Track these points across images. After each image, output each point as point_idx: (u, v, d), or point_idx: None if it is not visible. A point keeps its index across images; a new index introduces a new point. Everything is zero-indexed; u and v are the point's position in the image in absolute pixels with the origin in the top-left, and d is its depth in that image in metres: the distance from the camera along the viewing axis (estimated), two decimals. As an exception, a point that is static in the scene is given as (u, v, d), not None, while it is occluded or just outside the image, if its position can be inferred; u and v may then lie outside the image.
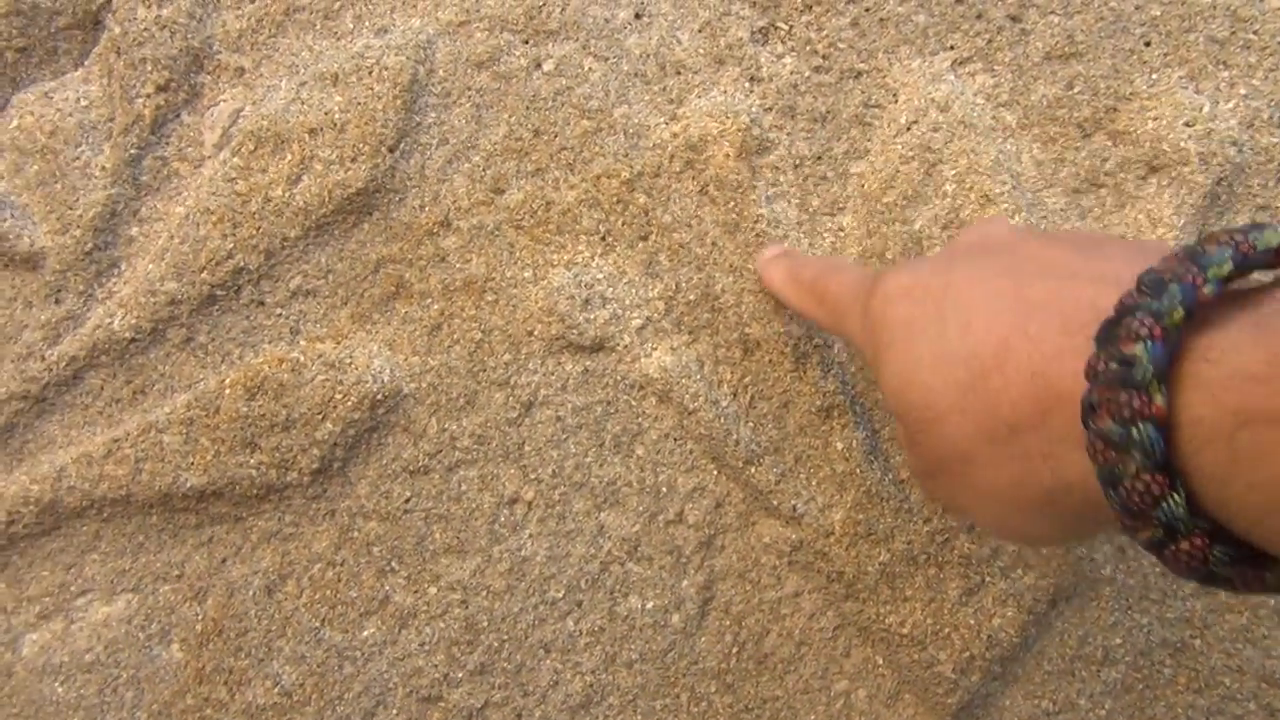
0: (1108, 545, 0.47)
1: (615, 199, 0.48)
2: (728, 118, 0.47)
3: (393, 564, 0.48)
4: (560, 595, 0.49)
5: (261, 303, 0.49)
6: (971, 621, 0.46)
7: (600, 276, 0.48)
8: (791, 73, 0.48)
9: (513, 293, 0.48)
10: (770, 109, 0.48)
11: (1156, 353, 0.22)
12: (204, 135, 0.51)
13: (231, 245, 0.48)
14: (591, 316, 0.48)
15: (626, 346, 0.48)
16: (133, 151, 0.50)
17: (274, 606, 0.49)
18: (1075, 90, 0.47)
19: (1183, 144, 0.45)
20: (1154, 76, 0.47)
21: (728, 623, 0.49)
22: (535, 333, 0.48)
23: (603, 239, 0.48)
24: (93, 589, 0.49)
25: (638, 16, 0.49)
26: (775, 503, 0.47)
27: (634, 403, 0.48)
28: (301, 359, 0.47)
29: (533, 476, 0.48)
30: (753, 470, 0.47)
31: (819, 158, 0.48)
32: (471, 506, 0.48)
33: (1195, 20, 0.47)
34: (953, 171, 0.46)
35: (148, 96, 0.50)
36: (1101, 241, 0.29)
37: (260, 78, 0.51)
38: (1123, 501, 0.22)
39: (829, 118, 0.48)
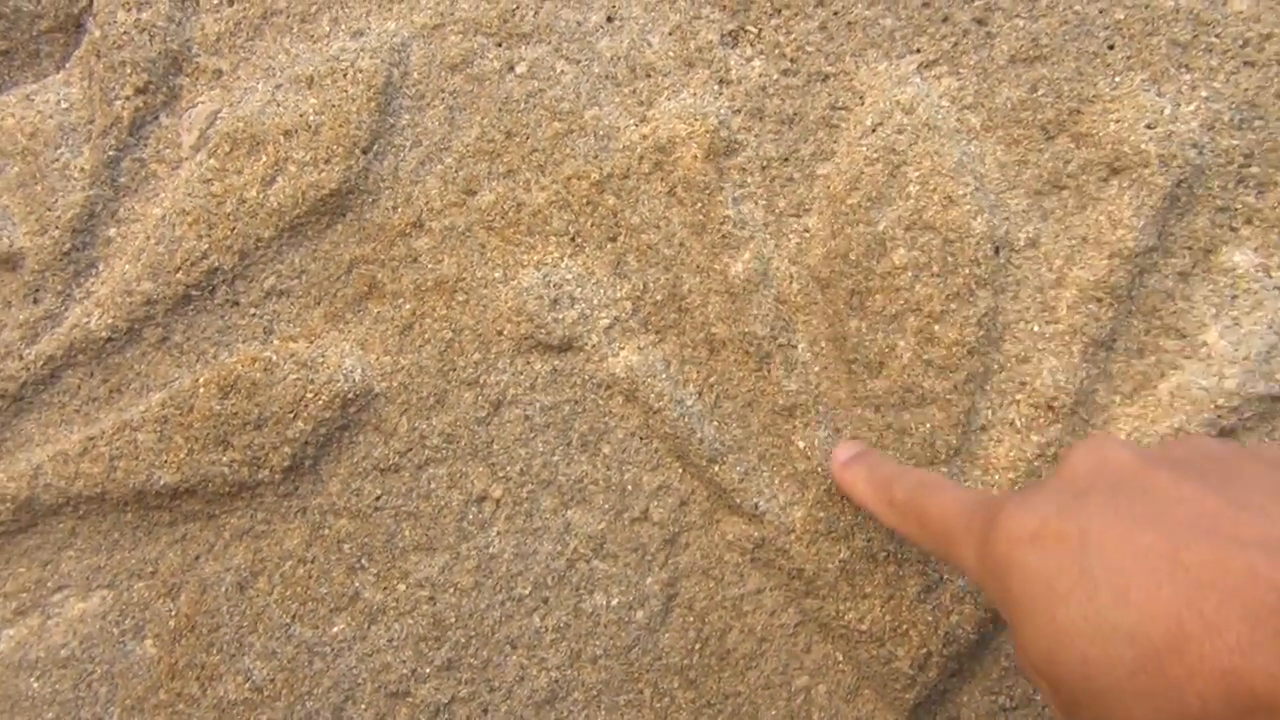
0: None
1: (585, 200, 0.50)
2: (696, 120, 0.48)
3: (363, 561, 0.50)
4: (527, 592, 0.50)
5: (236, 303, 0.50)
6: (929, 618, 0.48)
7: (569, 277, 0.49)
8: (760, 75, 0.50)
9: (483, 293, 0.50)
10: (739, 111, 0.50)
11: None
12: (182, 137, 0.53)
13: (206, 246, 0.50)
14: (560, 316, 0.49)
15: (594, 346, 0.50)
16: (111, 153, 0.52)
17: (246, 603, 0.50)
18: (1039, 93, 0.48)
19: (1143, 146, 0.47)
20: (1117, 79, 0.48)
21: (691, 619, 0.50)
22: (505, 332, 0.50)
23: (572, 240, 0.50)
24: (69, 585, 0.50)
25: (609, 20, 0.51)
26: (738, 500, 0.49)
27: (601, 402, 0.50)
28: (274, 358, 0.49)
29: (501, 474, 0.50)
30: (717, 468, 0.49)
31: (786, 159, 0.49)
32: (440, 504, 0.50)
33: (1158, 24, 0.48)
34: (916, 173, 0.47)
35: (127, 99, 0.52)
36: (1239, 473, 0.28)
37: (238, 80, 0.52)
38: None
39: (796, 120, 0.49)
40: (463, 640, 0.51)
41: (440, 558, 0.51)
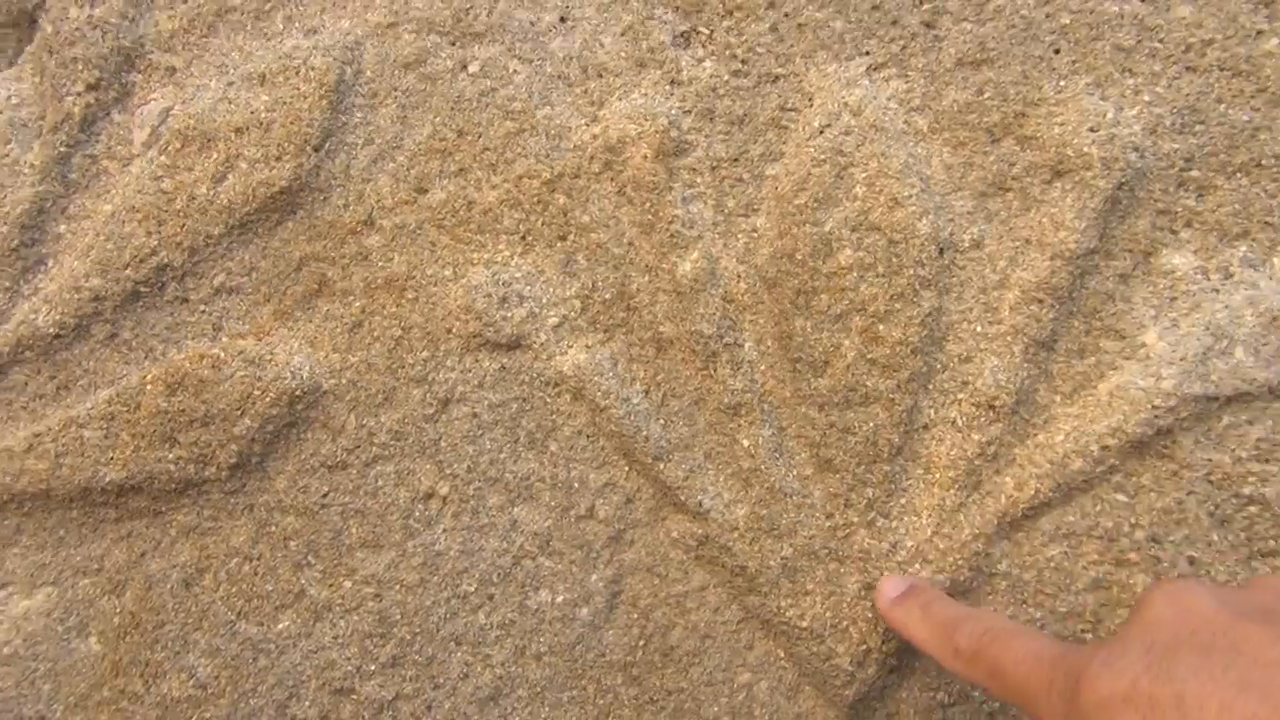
0: (1005, 541, 0.50)
1: (535, 199, 0.51)
2: (646, 120, 0.50)
3: (309, 558, 0.51)
4: (472, 589, 0.51)
5: (185, 299, 0.51)
6: (869, 615, 0.49)
7: (518, 275, 0.51)
8: (711, 76, 0.51)
9: (433, 291, 0.51)
10: (689, 112, 0.51)
11: None
12: (134, 134, 0.54)
13: (156, 242, 0.50)
14: (508, 314, 0.50)
15: (543, 344, 0.51)
16: (62, 149, 0.52)
17: (191, 600, 0.51)
18: (985, 96, 0.50)
19: (1086, 149, 0.48)
20: (1062, 83, 0.49)
21: (635, 616, 0.51)
22: (454, 330, 0.51)
23: (522, 238, 0.51)
24: (13, 582, 0.51)
25: (563, 20, 0.52)
26: (683, 498, 0.50)
27: (549, 400, 0.51)
28: (222, 355, 0.50)
29: (448, 472, 0.51)
30: (662, 466, 0.50)
31: (735, 160, 0.51)
32: (387, 501, 0.51)
33: (1103, 29, 0.49)
34: (863, 174, 0.48)
35: (78, 95, 0.53)
36: None
37: (191, 77, 0.53)
38: None
39: (746, 121, 0.51)
40: (408, 637, 0.52)
41: (386, 555, 0.52)
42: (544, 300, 0.52)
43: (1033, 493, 0.49)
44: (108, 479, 0.50)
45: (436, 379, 0.52)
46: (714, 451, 0.52)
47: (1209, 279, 0.49)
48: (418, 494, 0.52)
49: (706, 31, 0.52)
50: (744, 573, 0.51)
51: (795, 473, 0.51)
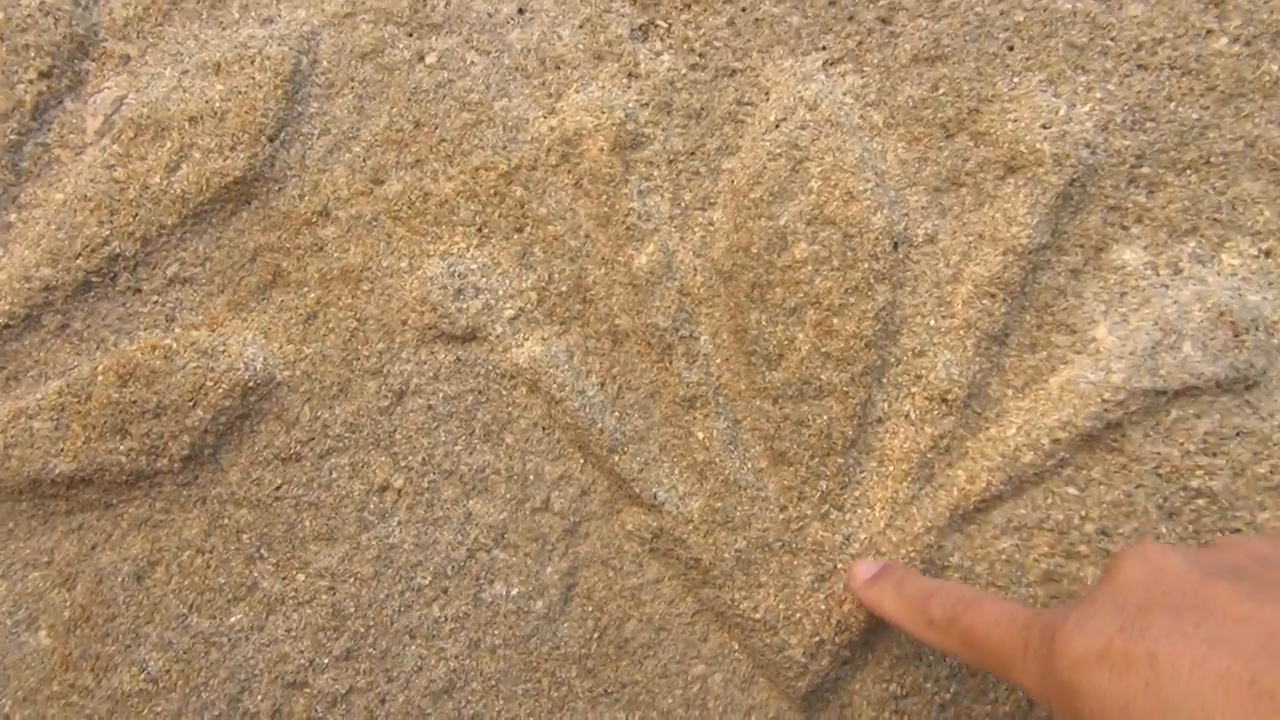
0: (957, 534, 0.51)
1: (492, 191, 0.51)
2: (603, 113, 0.50)
3: (262, 551, 0.51)
4: (426, 582, 0.51)
5: (138, 290, 0.51)
6: (822, 607, 0.50)
7: (474, 267, 0.51)
8: (669, 69, 0.51)
9: (388, 282, 0.51)
10: (647, 105, 0.51)
11: None
12: (87, 122, 0.54)
13: (108, 232, 0.50)
14: (464, 306, 0.51)
15: (498, 336, 0.51)
16: (13, 137, 0.52)
17: (143, 593, 0.51)
18: (940, 92, 0.51)
19: (1038, 145, 0.49)
20: (1015, 80, 0.50)
21: (590, 609, 0.52)
22: (409, 322, 0.51)
23: (479, 230, 0.51)
24: (-40, 575, 0.51)
25: (521, 12, 0.52)
26: (638, 491, 0.51)
27: (504, 392, 0.51)
28: (174, 346, 0.50)
29: (403, 464, 0.51)
30: (617, 459, 0.51)
31: (692, 153, 0.51)
32: (342, 494, 0.51)
33: (1056, 26, 0.50)
34: (818, 169, 0.49)
35: (30, 82, 0.53)
36: None
37: (145, 65, 0.53)
38: None
39: (703, 114, 0.51)
40: (361, 630, 0.52)
41: (340, 547, 0.52)
42: (500, 292, 0.52)
43: (984, 485, 0.50)
44: (58, 471, 0.50)
45: (391, 371, 0.52)
46: (669, 444, 0.52)
47: (1159, 274, 0.51)
48: (372, 486, 0.52)
49: (664, 25, 0.53)
50: (698, 565, 0.52)
51: (750, 465, 0.52)
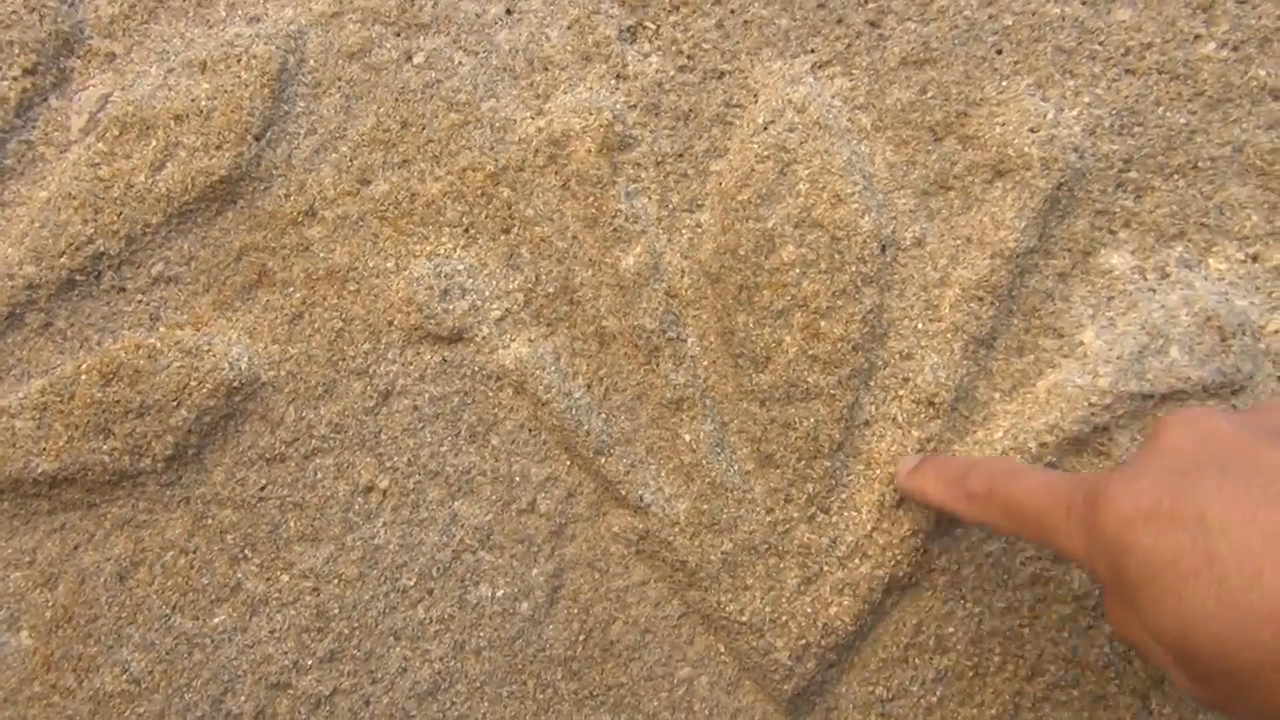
0: (944, 537, 0.51)
1: (479, 192, 0.52)
2: (591, 114, 0.51)
3: (246, 551, 0.51)
4: (411, 583, 0.52)
5: (122, 289, 0.51)
6: (809, 610, 0.50)
7: (461, 268, 0.51)
8: (657, 71, 0.52)
9: (375, 283, 0.52)
10: (635, 106, 0.52)
11: None
12: (71, 120, 0.54)
13: (92, 230, 0.51)
14: (450, 307, 0.51)
15: (485, 337, 0.51)
16: (-3, 134, 0.52)
17: (125, 593, 0.51)
18: (928, 95, 0.51)
19: (1026, 149, 0.50)
20: (1004, 83, 0.51)
21: (575, 611, 0.52)
22: (395, 322, 0.51)
23: (465, 231, 0.52)
24: (-59, 575, 0.51)
25: (509, 12, 0.53)
26: (624, 493, 0.51)
27: (491, 393, 0.52)
28: (158, 345, 0.50)
29: (388, 465, 0.51)
30: (603, 460, 0.51)
31: (680, 155, 0.52)
32: (326, 494, 0.51)
33: (1045, 30, 0.51)
34: (806, 171, 0.50)
35: (14, 79, 0.53)
36: None
37: (131, 63, 0.53)
38: None
39: (691, 116, 0.52)
40: (346, 631, 0.52)
41: (325, 548, 0.52)
42: (487, 293, 0.52)
43: (971, 489, 0.51)
44: (40, 470, 0.51)
45: (377, 371, 0.53)
46: (655, 446, 0.53)
47: (1146, 279, 0.51)
48: (357, 487, 0.53)
49: (653, 26, 0.53)
50: (684, 567, 0.52)
51: (736, 468, 0.52)
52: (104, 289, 0.52)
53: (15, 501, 0.52)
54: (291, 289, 0.53)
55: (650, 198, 0.53)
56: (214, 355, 0.51)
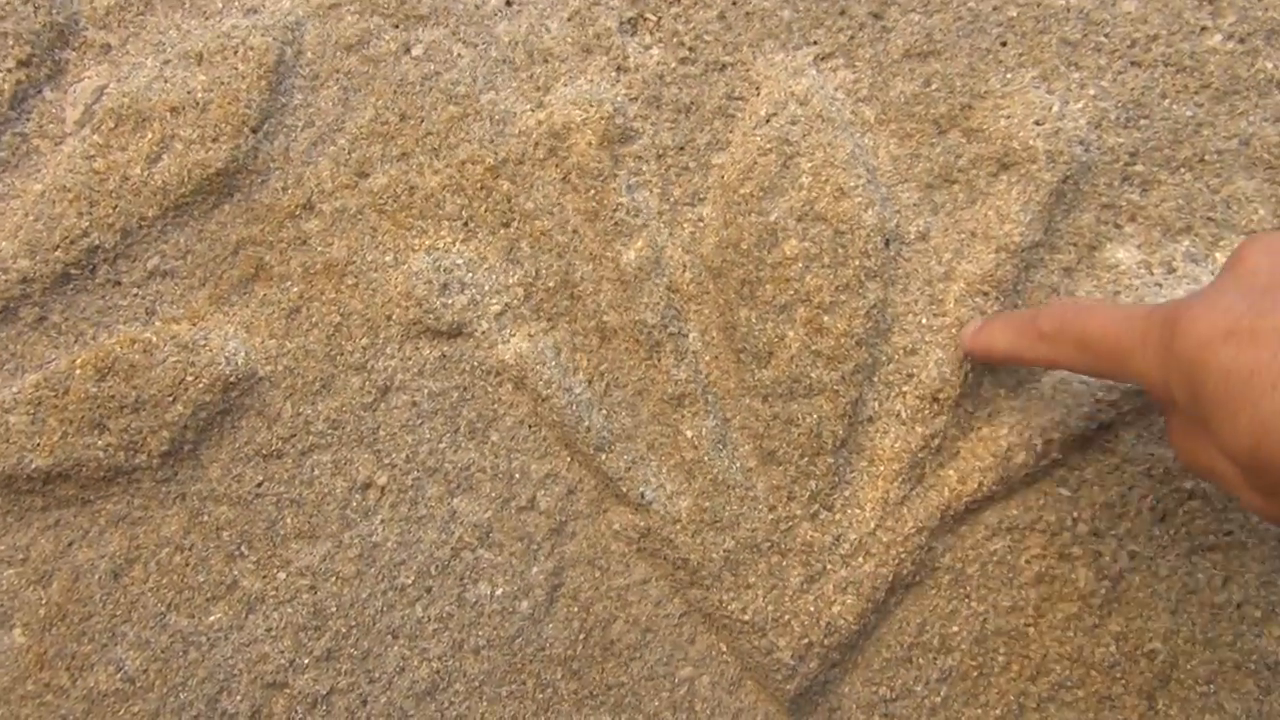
0: (949, 535, 0.51)
1: (479, 185, 0.51)
2: (591, 106, 0.50)
3: (242, 549, 0.51)
4: (410, 581, 0.51)
5: (118, 282, 0.51)
6: (811, 609, 0.50)
7: (460, 262, 0.51)
8: (658, 63, 0.52)
9: (373, 277, 0.51)
10: (636, 99, 0.51)
11: None
12: (66, 112, 0.54)
13: (88, 224, 0.50)
14: (449, 301, 0.51)
15: (484, 332, 0.51)
16: (-9, 127, 0.52)
17: (120, 591, 0.51)
18: (932, 87, 0.51)
19: (1032, 142, 0.49)
20: (1008, 76, 0.51)
21: (575, 609, 0.52)
22: (394, 317, 0.51)
23: (465, 225, 0.51)
24: (-66, 572, 0.51)
25: (508, 4, 0.52)
26: (625, 490, 0.51)
27: (490, 389, 0.51)
28: (154, 340, 0.50)
29: (386, 461, 0.51)
30: (604, 457, 0.51)
31: (682, 148, 0.51)
32: (324, 491, 0.51)
33: (1050, 22, 0.51)
34: (809, 164, 0.49)
35: (8, 71, 0.53)
36: None
37: (126, 55, 0.53)
38: None
39: (693, 109, 0.51)
40: (343, 630, 0.52)
41: (322, 546, 0.52)
42: (486, 288, 0.52)
43: (976, 486, 0.50)
44: (34, 466, 0.50)
45: (375, 367, 0.52)
46: (657, 443, 0.52)
47: (1152, 273, 0.51)
48: (355, 484, 0.52)
49: (654, 18, 0.53)
50: (686, 566, 0.52)
51: (739, 465, 0.52)
52: (99, 283, 0.52)
53: (8, 498, 0.51)
54: (289, 283, 0.52)
55: (651, 191, 0.52)
56: (210, 350, 0.51)
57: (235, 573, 0.52)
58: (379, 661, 0.52)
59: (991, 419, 0.51)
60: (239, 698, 0.51)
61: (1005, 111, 0.51)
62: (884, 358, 0.51)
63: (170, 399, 0.50)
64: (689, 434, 0.51)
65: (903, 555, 0.51)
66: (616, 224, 0.51)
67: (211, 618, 0.52)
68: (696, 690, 0.53)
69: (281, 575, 0.52)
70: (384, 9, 0.53)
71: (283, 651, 0.52)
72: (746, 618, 0.51)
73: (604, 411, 0.52)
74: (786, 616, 0.51)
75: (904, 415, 0.51)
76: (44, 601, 0.51)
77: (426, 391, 0.52)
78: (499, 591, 0.52)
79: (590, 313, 0.52)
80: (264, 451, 0.52)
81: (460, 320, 0.52)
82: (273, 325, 0.52)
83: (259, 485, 0.52)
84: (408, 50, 0.53)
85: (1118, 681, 0.51)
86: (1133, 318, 0.37)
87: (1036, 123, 0.50)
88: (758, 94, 0.52)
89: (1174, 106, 0.51)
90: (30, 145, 0.53)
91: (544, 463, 0.53)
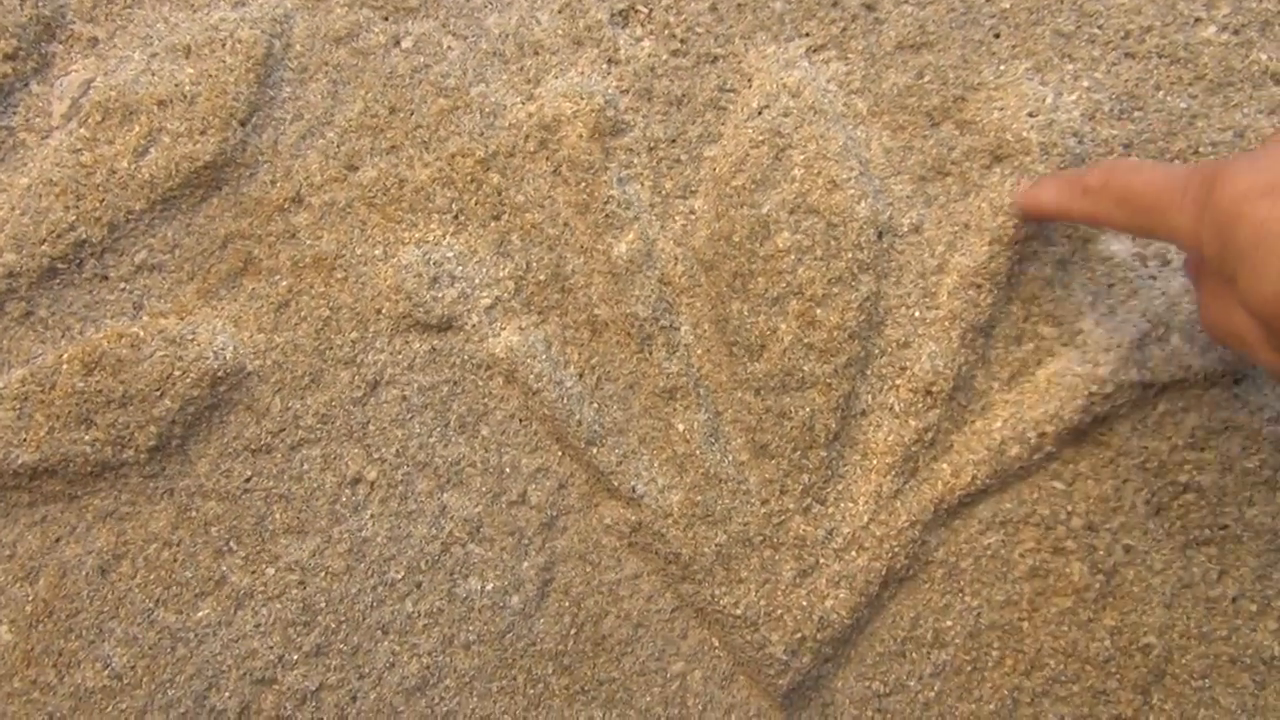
0: (942, 528, 0.51)
1: (469, 178, 0.51)
2: (582, 99, 0.50)
3: (231, 544, 0.51)
4: (400, 576, 0.51)
5: (105, 277, 0.51)
6: (804, 603, 0.50)
7: (450, 255, 0.51)
8: (649, 55, 0.51)
9: (362, 270, 0.51)
10: (627, 91, 0.51)
11: None
12: (53, 105, 0.54)
13: (74, 218, 0.50)
14: (439, 295, 0.50)
15: (474, 326, 0.51)
16: (-23, 120, 0.52)
17: (107, 587, 0.51)
18: (925, 79, 0.51)
19: (1025, 134, 0.49)
20: (1001, 68, 0.50)
21: (567, 604, 0.51)
22: (383, 311, 0.51)
23: (455, 218, 0.51)
24: (-80, 569, 0.50)
25: (499, -5, 0.52)
26: (616, 484, 0.51)
27: (480, 382, 0.51)
28: (141, 334, 0.50)
29: (376, 456, 0.51)
30: (595, 451, 0.50)
31: (673, 140, 0.51)
32: (313, 486, 0.51)
33: (1043, 14, 0.51)
34: (801, 157, 0.49)
35: (-5, 65, 0.52)
36: None
37: (114, 48, 0.53)
38: None
39: (684, 101, 0.51)
40: (332, 625, 0.52)
41: (311, 541, 0.52)
42: (476, 281, 0.52)
43: (970, 480, 0.50)
44: (21, 461, 0.50)
45: (365, 361, 0.52)
46: (648, 436, 0.52)
47: (1146, 266, 0.51)
48: (344, 479, 0.52)
49: (645, 10, 0.53)
50: (678, 560, 0.52)
51: (731, 458, 0.52)
52: (86, 277, 0.51)
53: (-5, 494, 0.51)
54: (277, 277, 0.52)
55: (643, 184, 0.52)
56: (198, 344, 0.51)
57: (224, 568, 0.52)
58: (369, 657, 0.52)
59: (985, 412, 0.51)
60: (227, 694, 0.51)
61: (999, 103, 0.51)
62: (877, 350, 0.51)
63: (158, 394, 0.50)
64: (681, 428, 0.51)
65: (896, 549, 0.50)
66: (608, 217, 0.51)
67: (200, 613, 0.51)
68: (689, 685, 0.52)
69: (270, 570, 0.52)
70: (373, 2, 0.53)
71: (272, 647, 0.52)
72: (739, 612, 0.51)
73: (595, 405, 0.52)
74: (779, 611, 0.51)
75: (897, 408, 0.51)
76: (31, 598, 0.51)
77: (416, 386, 0.52)
78: (489, 586, 0.52)
79: (581, 306, 0.52)
80: (252, 446, 0.52)
81: (450, 314, 0.52)
82: (261, 319, 0.52)
83: (247, 480, 0.52)
84: (397, 43, 0.53)
85: (1112, 676, 0.50)
86: (1175, 175, 0.38)
87: (1030, 114, 0.50)
88: (750, 86, 0.52)
89: (1168, 98, 0.51)
90: (17, 139, 0.52)
91: (535, 457, 0.52)
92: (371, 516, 0.52)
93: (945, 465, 0.51)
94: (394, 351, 0.52)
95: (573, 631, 0.52)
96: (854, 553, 0.51)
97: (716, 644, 0.53)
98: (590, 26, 0.52)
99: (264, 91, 0.52)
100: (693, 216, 0.52)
